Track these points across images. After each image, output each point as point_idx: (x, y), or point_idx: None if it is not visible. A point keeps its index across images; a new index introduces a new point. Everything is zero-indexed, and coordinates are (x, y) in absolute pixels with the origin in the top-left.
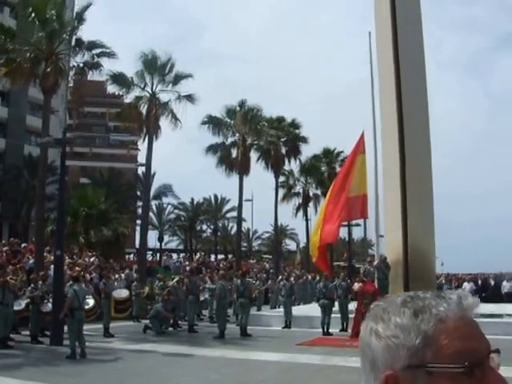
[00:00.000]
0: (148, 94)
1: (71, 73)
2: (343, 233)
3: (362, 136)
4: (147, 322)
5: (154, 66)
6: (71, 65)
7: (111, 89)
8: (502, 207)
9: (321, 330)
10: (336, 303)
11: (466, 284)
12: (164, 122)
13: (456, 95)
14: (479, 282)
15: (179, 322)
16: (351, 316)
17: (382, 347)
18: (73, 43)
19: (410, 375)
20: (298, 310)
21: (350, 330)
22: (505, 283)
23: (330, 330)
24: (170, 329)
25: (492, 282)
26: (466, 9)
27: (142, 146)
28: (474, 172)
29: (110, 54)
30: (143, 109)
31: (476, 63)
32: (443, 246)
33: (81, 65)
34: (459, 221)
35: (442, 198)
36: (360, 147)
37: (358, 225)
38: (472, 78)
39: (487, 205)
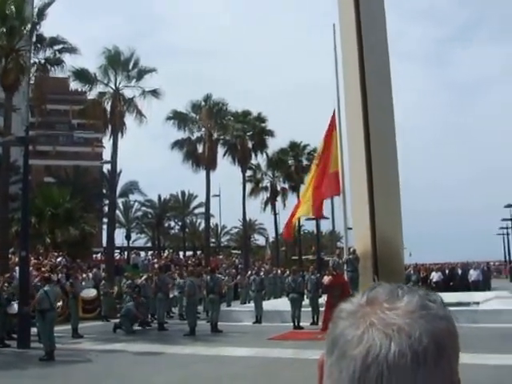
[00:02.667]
0: (112, 90)
1: (33, 69)
2: (311, 226)
3: (334, 115)
4: (117, 321)
5: (117, 62)
6: (32, 61)
7: (74, 85)
8: (469, 198)
9: (291, 323)
10: (306, 297)
11: (434, 273)
12: (129, 119)
13: (419, 86)
14: (446, 271)
15: (149, 320)
16: (321, 309)
17: None
18: (34, 39)
19: None
20: (268, 305)
21: (320, 323)
22: (471, 272)
23: (301, 324)
24: (140, 328)
25: (459, 271)
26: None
27: (107, 143)
28: (436, 164)
29: (72, 50)
30: (107, 105)
31: (437, 54)
32: (411, 237)
33: (42, 61)
34: (426, 211)
35: (408, 189)
36: (333, 125)
37: (326, 218)
38: (434, 68)
39: (454, 195)
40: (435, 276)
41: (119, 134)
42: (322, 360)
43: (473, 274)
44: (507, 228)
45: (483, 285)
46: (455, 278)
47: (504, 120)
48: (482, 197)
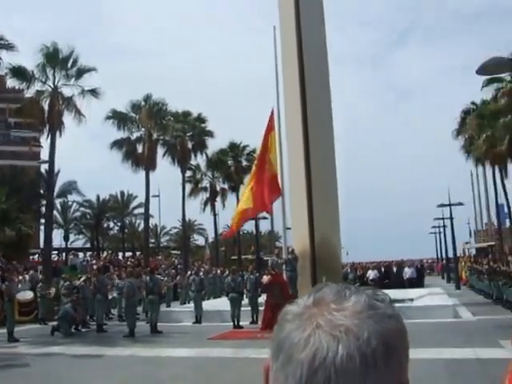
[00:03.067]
0: (50, 89)
1: None
2: (250, 226)
3: (272, 114)
4: (54, 323)
5: (55, 60)
6: None
7: (11, 83)
8: (404, 199)
9: (231, 323)
10: (245, 296)
11: (370, 271)
12: (68, 118)
13: (361, 89)
14: (382, 269)
15: (88, 321)
16: (261, 308)
17: None
18: None
19: None
20: (208, 305)
21: (260, 322)
22: (406, 270)
23: (241, 323)
24: (78, 330)
25: (394, 269)
26: (366, 5)
27: (45, 142)
28: (372, 165)
29: (9, 47)
30: (45, 104)
31: (377, 58)
32: (348, 236)
33: None
34: (362, 212)
35: (345, 190)
36: (271, 124)
37: (264, 218)
38: (375, 72)
39: (389, 197)
40: (371, 274)
41: (57, 134)
42: (267, 365)
43: (407, 272)
44: (439, 227)
45: (417, 282)
46: (390, 276)
47: (437, 120)
48: (417, 198)
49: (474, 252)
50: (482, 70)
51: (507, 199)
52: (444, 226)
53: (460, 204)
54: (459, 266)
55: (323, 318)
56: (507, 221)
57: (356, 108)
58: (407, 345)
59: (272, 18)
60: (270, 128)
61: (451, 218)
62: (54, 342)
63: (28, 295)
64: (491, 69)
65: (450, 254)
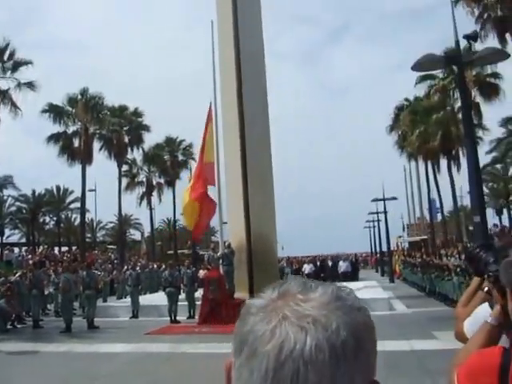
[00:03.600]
0: None
1: None
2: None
3: (210, 106)
4: None
5: None
6: None
7: None
8: (338, 196)
9: (168, 318)
10: (182, 291)
11: (305, 266)
12: (3, 111)
13: (293, 85)
14: (318, 263)
15: (24, 317)
16: (198, 303)
17: None
18: None
19: None
20: (144, 300)
21: (197, 317)
22: (341, 263)
23: (178, 318)
24: (13, 326)
25: (330, 263)
26: (301, 4)
27: None
28: (314, 164)
29: None
30: None
31: (311, 56)
32: (283, 231)
33: None
34: (299, 209)
35: (282, 186)
36: (210, 117)
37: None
38: (308, 69)
39: (324, 193)
40: (307, 268)
41: None
42: (229, 363)
43: (342, 266)
44: (373, 221)
45: (352, 275)
46: (326, 270)
47: (372, 117)
48: (352, 193)
49: (407, 246)
50: (416, 67)
51: (439, 194)
52: (378, 221)
53: (394, 198)
54: (393, 260)
55: (289, 308)
56: (439, 215)
57: (290, 105)
58: (375, 340)
59: (209, 12)
60: (208, 120)
61: (385, 212)
62: None
63: None
64: (425, 65)
65: (384, 248)
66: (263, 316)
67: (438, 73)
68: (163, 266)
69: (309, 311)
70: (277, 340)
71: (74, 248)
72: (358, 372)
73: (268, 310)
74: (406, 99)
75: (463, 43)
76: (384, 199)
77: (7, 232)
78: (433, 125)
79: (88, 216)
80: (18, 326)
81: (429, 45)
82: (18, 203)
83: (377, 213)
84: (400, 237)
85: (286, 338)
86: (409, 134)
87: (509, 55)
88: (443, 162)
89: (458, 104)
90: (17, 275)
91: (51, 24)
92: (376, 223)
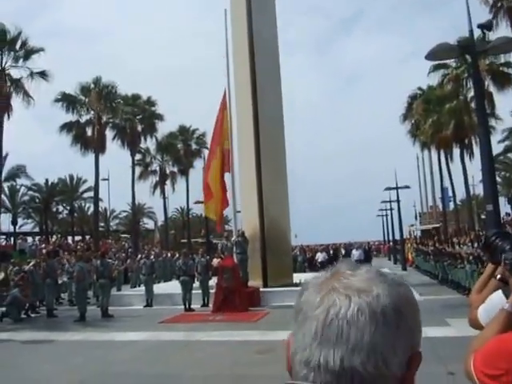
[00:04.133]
0: None
1: None
2: (200, 209)
3: (224, 93)
4: (3, 309)
5: (3, 40)
6: None
7: None
8: (351, 184)
9: (182, 306)
10: (196, 279)
11: (319, 254)
12: (16, 100)
13: (309, 75)
14: (331, 251)
15: (38, 306)
16: (212, 291)
17: None
18: None
19: None
20: (158, 288)
21: (211, 305)
22: (354, 252)
23: (192, 306)
24: (27, 316)
25: (343, 251)
26: None
27: None
28: (325, 154)
29: None
30: None
31: (322, 45)
32: (296, 219)
33: None
34: (312, 197)
35: (295, 174)
36: (224, 104)
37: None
38: (320, 59)
39: (337, 182)
40: (320, 256)
41: (5, 116)
42: (288, 340)
43: (355, 254)
44: (386, 210)
45: (365, 263)
46: (339, 258)
47: (382, 106)
48: (365, 181)
49: (419, 234)
50: (430, 56)
51: (452, 183)
52: (391, 209)
53: (406, 187)
54: (405, 248)
55: (338, 281)
56: (451, 204)
57: (302, 94)
58: (418, 316)
59: (223, 1)
60: (223, 107)
61: (398, 201)
62: (2, 328)
63: None
64: (439, 54)
65: (397, 236)
66: (316, 289)
67: (452, 62)
68: (177, 255)
69: (355, 283)
70: (324, 306)
71: (87, 237)
72: (399, 340)
73: (320, 284)
74: (419, 88)
75: (477, 33)
76: (397, 188)
77: (20, 221)
78: (446, 114)
79: (101, 205)
80: (32, 315)
81: (442, 34)
82: (30, 192)
83: (389, 201)
84: (412, 225)
85: (333, 303)
86: (422, 123)
87: None
88: (456, 151)
89: (471, 93)
90: (30, 264)
91: (62, 11)
92: (389, 212)
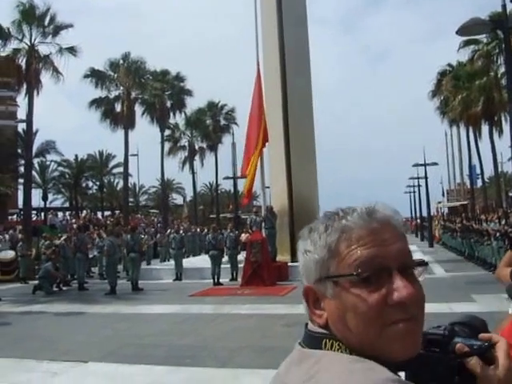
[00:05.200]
0: (27, 47)
1: None
2: (228, 185)
3: (258, 67)
4: (36, 282)
5: (32, 17)
6: None
7: None
8: (378, 161)
9: (211, 280)
10: (225, 254)
11: None
12: (45, 76)
13: (334, 52)
14: None
15: (69, 280)
16: (241, 266)
17: (302, 263)
18: None
19: (322, 287)
20: (188, 263)
21: (239, 279)
22: None
23: (221, 280)
24: (59, 289)
25: None
26: None
27: (22, 101)
28: (348, 129)
29: None
30: (22, 62)
31: (349, 21)
32: (324, 195)
33: None
34: (338, 173)
35: (323, 150)
36: (259, 77)
37: (243, 177)
38: (347, 35)
39: (364, 158)
40: None
41: (35, 92)
42: (307, 287)
43: None
44: (414, 186)
45: None
46: None
47: (410, 82)
48: (393, 158)
49: (446, 211)
50: (461, 31)
51: (480, 160)
52: (418, 186)
53: (434, 164)
54: (432, 225)
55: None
56: (479, 181)
57: (329, 70)
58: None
59: None
60: (259, 80)
61: (426, 178)
62: (35, 301)
63: (9, 254)
64: (471, 30)
65: (424, 213)
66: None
67: (482, 38)
68: (206, 230)
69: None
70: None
71: (116, 212)
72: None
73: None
74: (449, 64)
75: (510, 7)
76: (425, 164)
77: (50, 197)
78: (475, 90)
79: (131, 180)
80: (64, 288)
81: (473, 9)
82: (60, 168)
83: (417, 178)
84: (440, 202)
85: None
86: (451, 100)
87: None
88: (485, 128)
89: (502, 70)
90: (62, 239)
91: None
92: (416, 188)
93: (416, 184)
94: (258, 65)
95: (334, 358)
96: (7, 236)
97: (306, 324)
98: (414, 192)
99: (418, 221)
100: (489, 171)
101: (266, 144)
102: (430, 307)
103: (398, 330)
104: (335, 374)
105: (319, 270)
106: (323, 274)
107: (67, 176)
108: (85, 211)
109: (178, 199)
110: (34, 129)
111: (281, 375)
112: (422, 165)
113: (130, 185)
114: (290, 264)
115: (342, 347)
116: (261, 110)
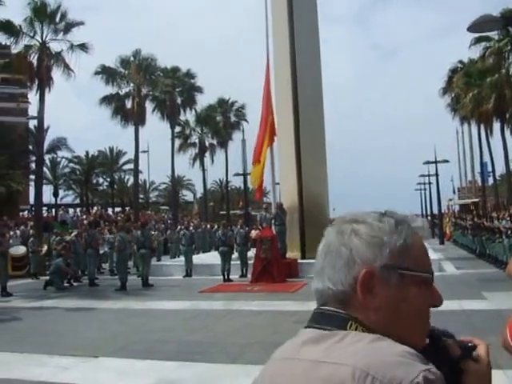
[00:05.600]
0: (38, 44)
1: None
2: (239, 181)
3: (268, 61)
4: (47, 278)
5: (43, 14)
6: None
7: None
8: (388, 158)
9: (221, 276)
10: (235, 250)
11: None
12: (56, 73)
13: (344, 48)
14: None
15: (79, 276)
16: (250, 262)
17: (363, 245)
18: None
19: (386, 273)
20: (198, 259)
21: (249, 276)
22: None
23: (231, 277)
24: (70, 284)
25: None
26: None
27: (33, 98)
28: (358, 126)
29: None
30: (34, 59)
31: (361, 17)
32: (334, 192)
33: None
34: (348, 170)
35: (333, 148)
36: (269, 72)
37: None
38: (358, 31)
39: (375, 154)
40: None
41: (46, 89)
42: (369, 271)
43: None
44: (424, 183)
45: None
46: None
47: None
48: (403, 155)
49: (457, 208)
50: (472, 28)
51: (491, 157)
52: (429, 183)
53: (445, 161)
54: (443, 222)
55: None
56: (490, 178)
57: (339, 67)
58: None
59: None
60: (268, 78)
61: (437, 175)
62: (46, 296)
63: (20, 250)
64: (482, 26)
65: (435, 210)
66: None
67: (494, 35)
68: (216, 226)
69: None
70: (325, 239)
71: (127, 209)
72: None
73: None
74: (460, 61)
75: None
76: (435, 162)
77: (61, 193)
78: (487, 87)
79: (141, 177)
80: (75, 283)
81: (483, 7)
82: (71, 165)
83: (428, 175)
84: (451, 199)
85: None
86: (462, 97)
87: None
88: (496, 125)
89: None
90: (72, 235)
91: None
92: (427, 186)
93: (427, 181)
94: (268, 59)
95: (360, 335)
96: (18, 232)
97: (317, 308)
98: (425, 189)
99: (429, 218)
100: (500, 169)
101: (275, 138)
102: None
103: (427, 325)
104: (361, 346)
105: (389, 258)
106: (392, 263)
107: (78, 172)
108: (95, 207)
109: (188, 196)
110: (45, 125)
111: (287, 356)
112: (432, 162)
113: (140, 181)
114: (299, 261)
115: (365, 331)
116: (268, 104)
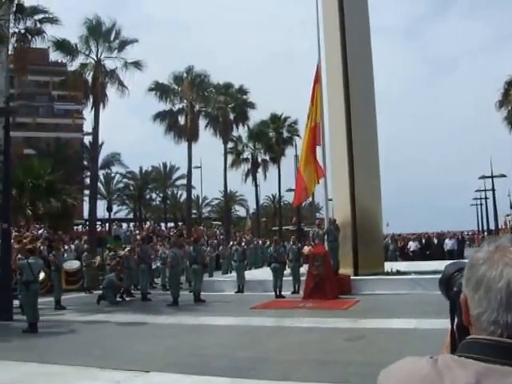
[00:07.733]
0: (93, 61)
1: (13, 40)
2: (291, 197)
3: (317, 68)
4: (100, 292)
5: (98, 32)
6: (12, 31)
7: (54, 56)
8: (443, 172)
9: (273, 293)
10: (287, 266)
11: (411, 243)
12: (110, 90)
13: (397, 62)
14: (423, 240)
15: (132, 291)
16: (303, 278)
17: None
18: (14, 9)
19: None
20: (249, 275)
21: (301, 292)
22: (447, 241)
23: (283, 293)
24: (122, 299)
25: (435, 241)
26: None
27: (88, 114)
28: (415, 139)
29: (53, 20)
30: (89, 76)
31: (414, 30)
32: (388, 208)
33: (23, 31)
34: (402, 184)
35: (387, 163)
36: (317, 78)
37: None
38: (411, 44)
39: (430, 170)
40: (412, 245)
41: (101, 106)
42: (464, 297)
43: (448, 243)
44: (481, 199)
45: (458, 253)
46: (431, 247)
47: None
48: (458, 170)
49: None
50: None
51: None
52: (486, 198)
53: (502, 176)
54: None
55: (507, 258)
56: None
57: (392, 79)
58: None
59: None
60: (316, 81)
61: (493, 190)
62: (99, 310)
63: (75, 264)
64: None
65: (491, 226)
66: (490, 264)
67: None
68: (268, 242)
69: None
70: (505, 279)
71: (179, 224)
72: None
73: (493, 260)
74: None
75: None
76: (492, 176)
77: (115, 208)
78: None
79: (194, 192)
80: (127, 298)
81: None
82: (125, 180)
83: (484, 190)
84: (508, 215)
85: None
86: None
87: None
88: None
89: None
90: (126, 250)
91: (152, 4)
92: (483, 201)
93: (483, 196)
94: (317, 67)
95: None
96: (73, 246)
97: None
98: (481, 204)
99: (486, 234)
100: None
101: (318, 145)
102: None
103: None
104: None
105: None
106: None
107: (131, 188)
108: (148, 222)
109: (240, 211)
110: (100, 141)
111: None
112: (489, 177)
113: (193, 196)
114: (352, 277)
115: None
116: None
